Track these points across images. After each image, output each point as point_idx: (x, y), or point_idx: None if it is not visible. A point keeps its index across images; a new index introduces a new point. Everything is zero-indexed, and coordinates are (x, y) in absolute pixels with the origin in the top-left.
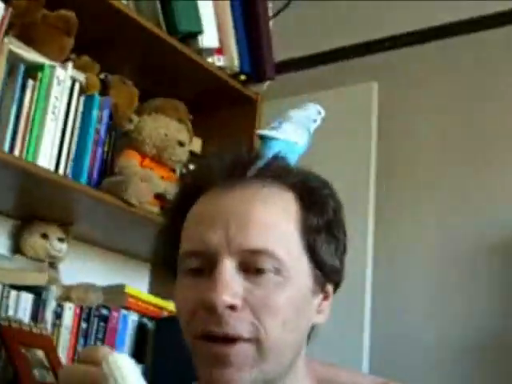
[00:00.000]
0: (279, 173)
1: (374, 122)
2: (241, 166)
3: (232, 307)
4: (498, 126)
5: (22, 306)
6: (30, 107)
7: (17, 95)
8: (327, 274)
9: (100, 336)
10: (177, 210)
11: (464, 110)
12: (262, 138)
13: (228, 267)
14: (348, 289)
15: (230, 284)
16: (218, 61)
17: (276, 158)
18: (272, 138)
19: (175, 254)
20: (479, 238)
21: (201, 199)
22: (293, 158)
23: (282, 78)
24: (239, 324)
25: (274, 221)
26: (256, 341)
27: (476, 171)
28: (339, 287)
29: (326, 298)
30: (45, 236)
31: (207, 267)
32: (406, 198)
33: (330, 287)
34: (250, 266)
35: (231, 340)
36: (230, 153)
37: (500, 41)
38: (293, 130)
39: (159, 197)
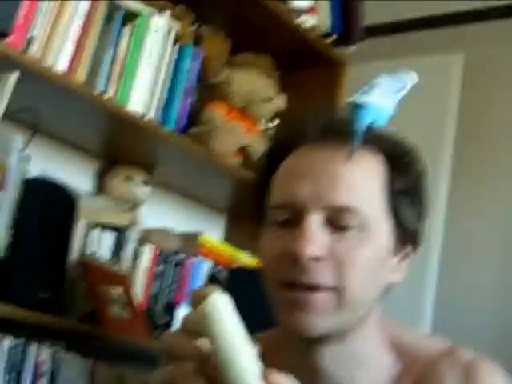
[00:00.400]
0: (369, 136)
1: (455, 94)
2: (335, 127)
3: (316, 258)
4: None
5: (103, 244)
6: (125, 52)
7: (113, 40)
8: (407, 236)
9: (174, 280)
10: (270, 163)
11: None
12: (354, 102)
13: (315, 220)
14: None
15: (316, 236)
16: (310, 19)
17: (366, 122)
18: (363, 104)
19: (265, 207)
20: None
21: (293, 154)
22: (381, 123)
23: (368, 42)
24: (322, 274)
25: (361, 181)
26: (336, 290)
27: None
28: (418, 249)
29: (404, 258)
30: (129, 178)
31: (295, 219)
32: (483, 172)
33: (409, 248)
34: (336, 222)
35: (313, 288)
36: (326, 113)
37: None
38: (383, 96)
39: (242, 149)
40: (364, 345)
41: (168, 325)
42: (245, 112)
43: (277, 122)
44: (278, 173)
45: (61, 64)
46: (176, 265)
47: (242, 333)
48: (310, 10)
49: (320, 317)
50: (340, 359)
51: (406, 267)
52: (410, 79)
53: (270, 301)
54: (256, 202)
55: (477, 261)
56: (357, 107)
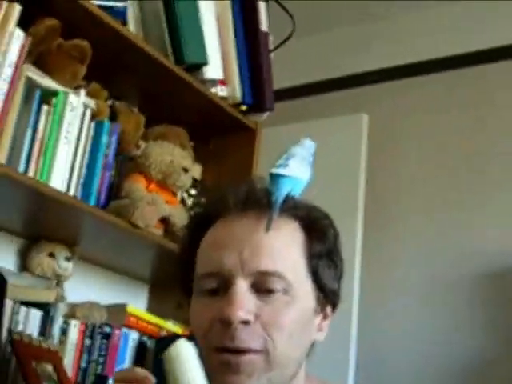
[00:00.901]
0: (287, 205)
1: (363, 154)
2: (254, 198)
3: (245, 322)
4: (489, 159)
5: (31, 322)
6: (44, 131)
7: (32, 119)
8: (327, 296)
9: (102, 353)
10: (192, 234)
11: (454, 144)
12: (273, 175)
13: (242, 287)
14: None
15: (244, 302)
16: (220, 91)
17: (284, 192)
18: (282, 176)
19: (190, 274)
20: (464, 268)
21: (216, 225)
22: (298, 192)
23: (277, 106)
24: (251, 338)
25: (282, 246)
26: (265, 352)
27: (462, 206)
28: (337, 308)
29: (325, 317)
30: (52, 255)
31: (222, 288)
32: (393, 225)
33: (329, 308)
34: (262, 287)
35: (243, 351)
36: (245, 185)
37: (490, 75)
38: (298, 167)
39: (163, 220)
40: None
41: None
42: (163, 183)
43: (195, 192)
44: (203, 243)
45: None
46: (104, 337)
47: (202, 375)
48: (221, 82)
49: (251, 378)
50: None
51: (327, 326)
52: (313, 146)
53: (205, 365)
54: (179, 273)
55: (394, 313)
56: (275, 179)
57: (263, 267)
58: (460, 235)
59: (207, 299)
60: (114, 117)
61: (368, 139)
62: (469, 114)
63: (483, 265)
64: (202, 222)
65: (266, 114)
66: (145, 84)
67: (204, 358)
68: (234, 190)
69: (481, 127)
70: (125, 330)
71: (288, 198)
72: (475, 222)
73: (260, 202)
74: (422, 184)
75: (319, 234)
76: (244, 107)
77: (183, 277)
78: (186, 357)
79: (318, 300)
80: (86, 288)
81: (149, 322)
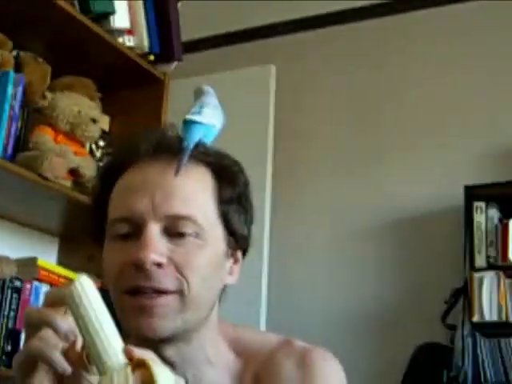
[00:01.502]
0: (198, 151)
1: (271, 104)
2: (166, 144)
3: (159, 264)
4: (391, 112)
5: None
6: None
7: None
8: (237, 241)
9: (13, 307)
10: (104, 181)
11: (359, 97)
12: (186, 121)
13: (154, 230)
14: (246, 264)
15: (157, 244)
16: (128, 41)
17: (196, 139)
18: (195, 122)
19: (103, 222)
20: (369, 217)
21: (128, 171)
22: (211, 139)
23: (186, 58)
24: (165, 279)
25: (193, 191)
26: (180, 293)
27: (369, 156)
28: (247, 253)
29: (235, 262)
30: None
31: (134, 232)
32: (303, 177)
33: (239, 253)
34: (173, 231)
35: (157, 292)
36: (157, 131)
37: (394, 28)
38: (212, 114)
39: (72, 172)
40: (207, 344)
41: (12, 352)
42: (71, 135)
43: (103, 143)
44: (115, 189)
45: None
46: (14, 291)
47: (105, 312)
48: (129, 32)
49: (165, 319)
50: (187, 358)
51: (238, 270)
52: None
53: (116, 310)
54: (91, 222)
55: (304, 262)
56: (188, 125)
57: (175, 211)
58: (363, 191)
59: (119, 244)
60: (19, 68)
61: (276, 90)
62: (374, 68)
63: (385, 215)
64: (113, 168)
65: (174, 64)
66: (51, 34)
67: (116, 302)
68: (146, 136)
69: (385, 79)
70: (36, 283)
71: (199, 145)
72: (378, 178)
73: (171, 148)
74: (329, 136)
75: (229, 180)
76: (151, 57)
77: (96, 225)
78: (87, 295)
79: (228, 244)
80: None
81: (60, 275)
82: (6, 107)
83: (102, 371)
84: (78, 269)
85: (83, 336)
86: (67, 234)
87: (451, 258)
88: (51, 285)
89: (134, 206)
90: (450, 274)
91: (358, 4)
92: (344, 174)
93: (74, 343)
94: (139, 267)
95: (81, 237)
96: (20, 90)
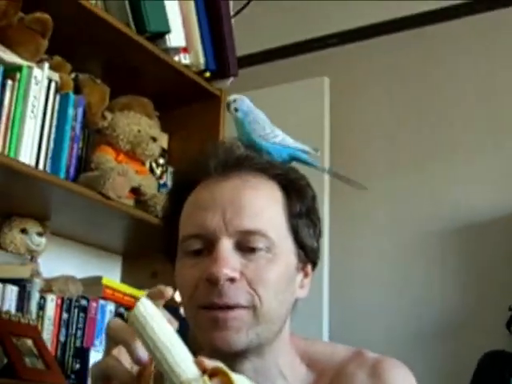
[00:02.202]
0: (264, 166)
1: (326, 116)
2: (234, 160)
3: (231, 280)
4: (449, 116)
5: (7, 298)
6: (9, 106)
7: None
8: (307, 254)
9: (80, 326)
10: (175, 198)
11: (414, 104)
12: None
13: (226, 246)
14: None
15: (229, 259)
16: (184, 59)
17: (263, 154)
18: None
19: (173, 239)
20: (433, 223)
21: (198, 188)
22: (283, 156)
23: (241, 73)
24: (237, 294)
25: (264, 205)
26: (252, 308)
27: (426, 165)
28: (316, 266)
29: (306, 275)
30: (24, 231)
31: (206, 248)
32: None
33: (309, 266)
34: (245, 246)
35: (231, 307)
36: (223, 148)
37: (447, 35)
38: (283, 134)
39: (134, 190)
40: (280, 357)
41: (81, 371)
42: (132, 154)
43: (162, 160)
44: (186, 206)
45: None
46: (81, 310)
47: (170, 328)
48: (184, 50)
49: (239, 333)
50: (261, 372)
51: (308, 283)
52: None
53: (190, 325)
54: (162, 239)
55: (364, 277)
56: (256, 142)
57: (246, 226)
58: (425, 195)
59: (192, 260)
60: (78, 89)
61: (330, 102)
62: (430, 74)
63: (449, 221)
64: (183, 186)
65: (230, 80)
66: (107, 55)
67: (191, 317)
68: (214, 152)
69: (442, 86)
70: (101, 301)
71: (265, 159)
72: (439, 180)
73: (240, 164)
74: (384, 145)
75: (298, 193)
76: (208, 74)
77: (166, 241)
78: (151, 313)
79: (299, 258)
80: (59, 262)
81: (124, 293)
82: (68, 129)
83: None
84: (141, 286)
85: (153, 355)
86: (130, 252)
87: None
88: (116, 303)
89: (206, 222)
90: None
91: (408, 13)
92: (403, 184)
93: (144, 368)
94: (213, 282)
95: (144, 254)
96: (80, 111)
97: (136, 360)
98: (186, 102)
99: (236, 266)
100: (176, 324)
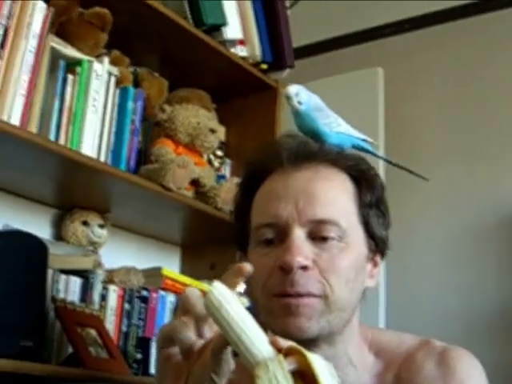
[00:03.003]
0: (336, 157)
1: (380, 108)
2: (304, 150)
3: (304, 268)
4: (503, 106)
5: (71, 289)
6: (71, 100)
7: (58, 89)
8: (377, 244)
9: (142, 316)
10: (247, 188)
11: (468, 95)
12: (319, 131)
13: (299, 235)
14: None
15: (302, 248)
16: (240, 51)
17: (332, 144)
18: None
19: (245, 228)
20: (489, 213)
21: (270, 178)
22: (346, 145)
23: (297, 64)
24: (309, 283)
25: (335, 195)
26: (323, 297)
27: (483, 155)
28: (385, 256)
29: (375, 265)
30: (85, 223)
31: (279, 237)
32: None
33: (378, 256)
34: (317, 235)
35: (302, 295)
36: (296, 139)
37: (501, 23)
38: (344, 122)
39: (193, 182)
40: (350, 346)
41: (143, 360)
42: (191, 146)
43: (220, 152)
44: (258, 196)
45: (14, 117)
46: (142, 301)
47: (244, 310)
48: (241, 42)
49: (310, 320)
50: (331, 360)
51: (377, 273)
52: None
53: (263, 312)
54: (234, 228)
55: (418, 268)
56: (320, 131)
57: (319, 216)
58: (480, 186)
59: (265, 249)
60: (137, 83)
61: (385, 93)
62: (486, 63)
63: (503, 211)
64: (255, 176)
65: (286, 71)
66: (165, 48)
67: (264, 304)
68: (286, 144)
69: (500, 76)
70: (162, 292)
71: (335, 150)
72: (495, 171)
73: (313, 155)
74: (441, 136)
75: (368, 184)
76: (264, 66)
77: (238, 230)
78: (224, 295)
79: (369, 247)
80: (119, 254)
81: (184, 284)
82: (128, 122)
83: (255, 363)
84: (200, 277)
85: (229, 336)
86: (189, 244)
87: None
88: (176, 294)
89: (279, 211)
90: None
91: (460, 3)
92: (459, 174)
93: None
94: (286, 270)
95: (202, 246)
96: (140, 104)
97: (199, 334)
98: (242, 94)
99: (309, 255)
100: (246, 302)
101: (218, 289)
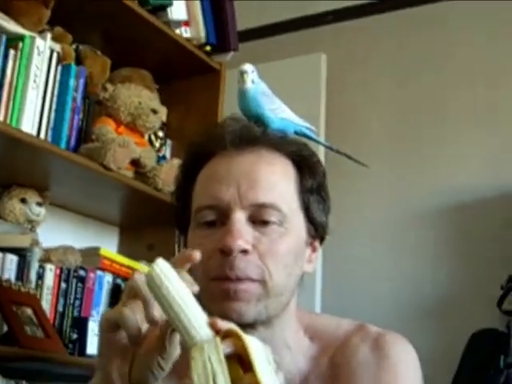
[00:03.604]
0: (279, 142)
1: (322, 92)
2: (248, 134)
3: (244, 251)
4: (447, 92)
5: (7, 267)
6: (12, 76)
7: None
8: (317, 229)
9: (78, 296)
10: (188, 170)
11: (412, 82)
12: (264, 116)
13: (240, 218)
14: None
15: (243, 232)
16: (184, 32)
17: (275, 130)
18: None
19: (186, 211)
20: (425, 202)
21: (212, 161)
22: (289, 131)
23: (241, 47)
24: (248, 267)
25: (277, 180)
26: (262, 282)
27: (423, 143)
28: (324, 242)
29: (314, 250)
30: (24, 201)
31: (220, 220)
32: (354, 166)
33: (317, 241)
34: (258, 219)
35: (241, 279)
36: (238, 122)
37: (441, 14)
38: (288, 109)
39: (133, 162)
40: (286, 329)
41: (79, 340)
42: (132, 125)
43: (161, 133)
44: (200, 178)
45: None
46: (79, 281)
47: (186, 289)
48: (185, 23)
49: (249, 305)
50: (269, 342)
51: (316, 258)
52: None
53: (202, 295)
54: (175, 210)
55: (359, 254)
56: (265, 116)
57: (260, 200)
58: (420, 175)
59: (206, 231)
60: (79, 61)
61: (326, 78)
62: (426, 52)
63: (444, 199)
64: (197, 158)
65: (230, 54)
66: (109, 27)
67: (203, 287)
68: (230, 127)
69: (439, 64)
70: (99, 272)
71: (278, 135)
72: (436, 160)
73: (256, 139)
74: (383, 123)
75: (310, 170)
76: (208, 48)
77: (179, 211)
78: (166, 274)
79: (308, 232)
80: (57, 233)
81: (122, 265)
82: (69, 99)
83: (191, 344)
84: (138, 258)
85: (168, 314)
86: (128, 224)
87: (510, 244)
88: (113, 274)
89: (221, 194)
90: (508, 260)
91: None
92: (398, 160)
93: (153, 329)
94: (226, 253)
95: (141, 226)
96: (81, 82)
97: (149, 319)
98: (186, 76)
99: (249, 239)
100: (197, 288)
101: (160, 266)
